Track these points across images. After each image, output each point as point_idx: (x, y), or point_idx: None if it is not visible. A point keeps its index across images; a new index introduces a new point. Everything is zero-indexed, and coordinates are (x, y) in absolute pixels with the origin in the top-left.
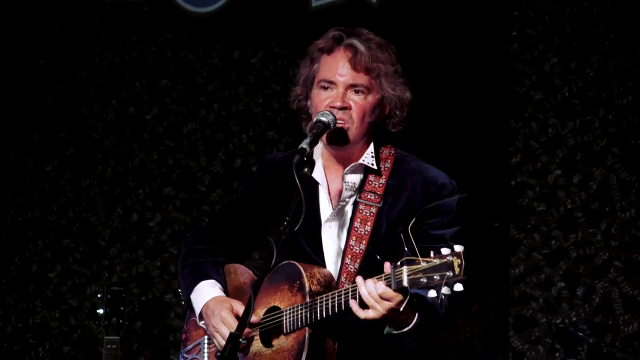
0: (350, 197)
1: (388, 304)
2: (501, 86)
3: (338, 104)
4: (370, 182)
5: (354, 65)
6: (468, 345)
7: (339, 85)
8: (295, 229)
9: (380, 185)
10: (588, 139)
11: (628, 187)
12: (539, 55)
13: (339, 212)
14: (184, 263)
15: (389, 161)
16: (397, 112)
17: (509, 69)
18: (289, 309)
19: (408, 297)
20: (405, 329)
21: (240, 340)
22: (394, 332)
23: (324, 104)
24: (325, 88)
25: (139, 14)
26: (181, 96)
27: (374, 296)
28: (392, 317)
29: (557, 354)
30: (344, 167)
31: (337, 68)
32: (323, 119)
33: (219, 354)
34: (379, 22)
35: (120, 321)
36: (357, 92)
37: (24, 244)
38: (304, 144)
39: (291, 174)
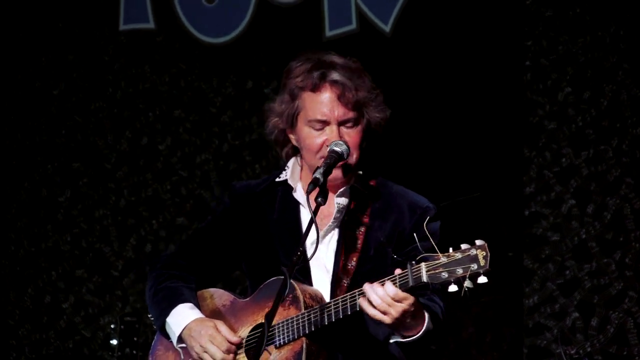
0: (337, 219)
1: (400, 306)
2: (515, 116)
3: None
4: (357, 204)
5: (345, 103)
6: None
7: (332, 122)
8: (310, 259)
9: (367, 206)
10: (602, 169)
11: None
12: (553, 85)
13: (326, 234)
14: (156, 287)
15: (373, 185)
16: (379, 131)
17: (523, 99)
18: (282, 322)
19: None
20: (415, 337)
21: None
22: (402, 340)
23: (319, 143)
24: (318, 128)
25: (152, 44)
26: (194, 126)
27: (387, 300)
28: (402, 321)
29: None
30: (331, 190)
31: (328, 107)
32: (337, 149)
33: None
34: (393, 52)
35: (134, 352)
36: (349, 126)
37: (38, 274)
38: (318, 174)
39: (267, 199)
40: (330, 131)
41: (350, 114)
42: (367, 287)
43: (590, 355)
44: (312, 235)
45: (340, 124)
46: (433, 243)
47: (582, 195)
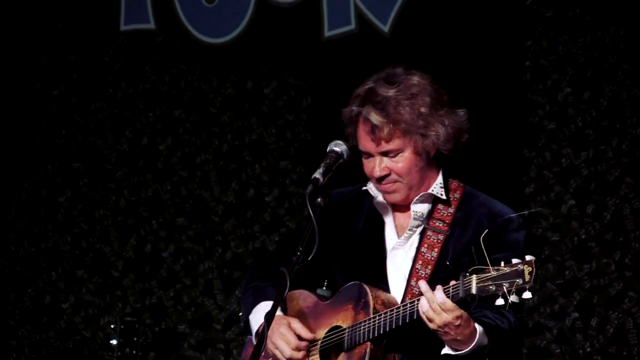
0: (417, 226)
1: (445, 317)
2: (514, 116)
3: (377, 174)
4: (438, 211)
5: (377, 139)
6: None
7: (374, 154)
8: (309, 258)
9: (449, 214)
10: (602, 169)
11: None
12: (553, 85)
13: (405, 241)
14: (247, 286)
15: (457, 193)
16: (443, 146)
17: (523, 99)
18: (351, 326)
19: (474, 303)
20: (464, 351)
21: None
22: (452, 353)
23: (367, 171)
24: (365, 157)
25: (152, 44)
26: (194, 126)
27: (435, 307)
28: (447, 332)
29: None
30: (409, 200)
31: (366, 140)
32: (336, 149)
33: None
34: (391, 52)
35: (134, 352)
36: (392, 157)
37: (38, 274)
38: (317, 174)
39: (356, 207)
40: (373, 163)
41: (386, 147)
42: (422, 284)
43: (590, 355)
44: (392, 240)
45: (383, 154)
46: (486, 255)
47: (581, 196)
